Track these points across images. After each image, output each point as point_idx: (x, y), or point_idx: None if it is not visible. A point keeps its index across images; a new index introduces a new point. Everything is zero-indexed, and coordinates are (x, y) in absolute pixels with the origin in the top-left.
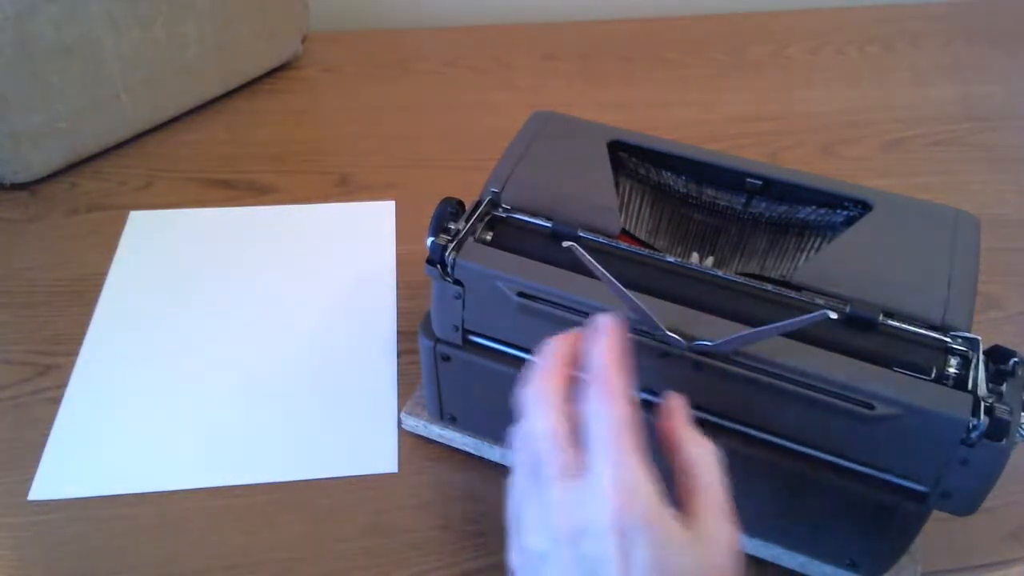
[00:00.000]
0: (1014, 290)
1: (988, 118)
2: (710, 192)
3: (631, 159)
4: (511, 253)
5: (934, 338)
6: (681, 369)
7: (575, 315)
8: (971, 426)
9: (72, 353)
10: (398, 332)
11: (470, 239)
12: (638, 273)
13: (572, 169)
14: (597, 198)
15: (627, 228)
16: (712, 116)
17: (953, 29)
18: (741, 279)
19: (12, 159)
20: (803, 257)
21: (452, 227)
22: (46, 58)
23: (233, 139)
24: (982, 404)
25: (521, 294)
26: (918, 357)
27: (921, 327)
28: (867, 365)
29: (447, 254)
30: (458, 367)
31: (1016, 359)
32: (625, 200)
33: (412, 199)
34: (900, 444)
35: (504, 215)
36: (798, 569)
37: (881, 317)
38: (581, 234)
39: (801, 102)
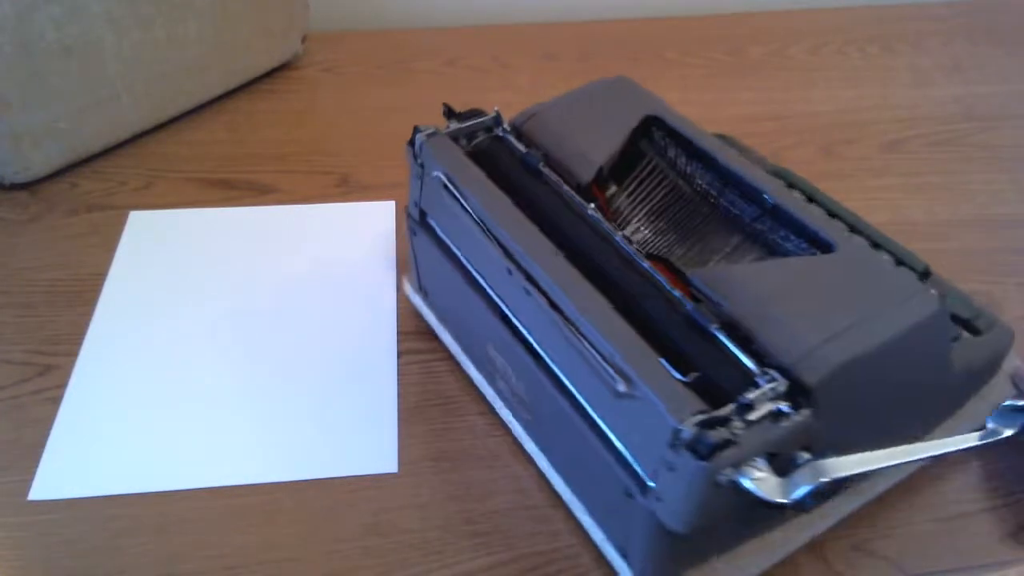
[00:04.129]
0: (1014, 290)
1: (988, 118)
2: (729, 197)
3: (663, 138)
4: (472, 162)
5: (748, 367)
6: (516, 289)
7: (485, 235)
8: (677, 430)
9: (72, 353)
10: (398, 332)
11: (446, 135)
12: (556, 215)
13: (595, 125)
14: (590, 151)
15: (633, 195)
16: (712, 116)
17: (953, 29)
18: (636, 252)
19: (12, 159)
20: None
21: (450, 124)
22: (46, 58)
23: (233, 139)
24: (703, 418)
25: (449, 192)
26: (720, 373)
27: (746, 353)
28: (646, 346)
29: (419, 138)
30: (420, 243)
31: (802, 417)
32: (642, 173)
33: None
34: (634, 424)
35: (501, 135)
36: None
37: (716, 328)
38: (542, 169)
39: (801, 102)
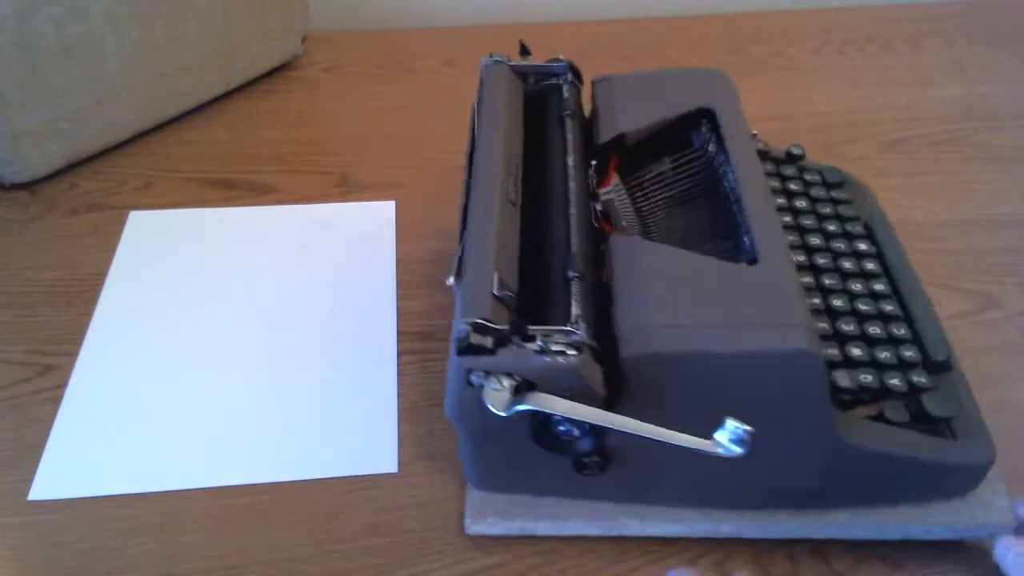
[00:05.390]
0: (1014, 290)
1: (988, 118)
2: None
3: (709, 133)
4: (518, 96)
5: (570, 312)
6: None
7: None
8: (464, 335)
9: (72, 353)
10: (398, 332)
11: (508, 66)
12: (546, 157)
13: (652, 102)
14: (624, 119)
15: (661, 175)
16: None
17: (953, 29)
18: (580, 204)
19: (12, 159)
20: None
21: (521, 60)
22: (46, 58)
23: (233, 139)
24: (477, 322)
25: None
26: (548, 311)
27: (583, 305)
28: (491, 258)
29: (485, 61)
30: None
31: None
32: (680, 159)
33: (412, 199)
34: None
35: (560, 83)
36: None
37: (574, 276)
38: (565, 119)
39: (801, 102)
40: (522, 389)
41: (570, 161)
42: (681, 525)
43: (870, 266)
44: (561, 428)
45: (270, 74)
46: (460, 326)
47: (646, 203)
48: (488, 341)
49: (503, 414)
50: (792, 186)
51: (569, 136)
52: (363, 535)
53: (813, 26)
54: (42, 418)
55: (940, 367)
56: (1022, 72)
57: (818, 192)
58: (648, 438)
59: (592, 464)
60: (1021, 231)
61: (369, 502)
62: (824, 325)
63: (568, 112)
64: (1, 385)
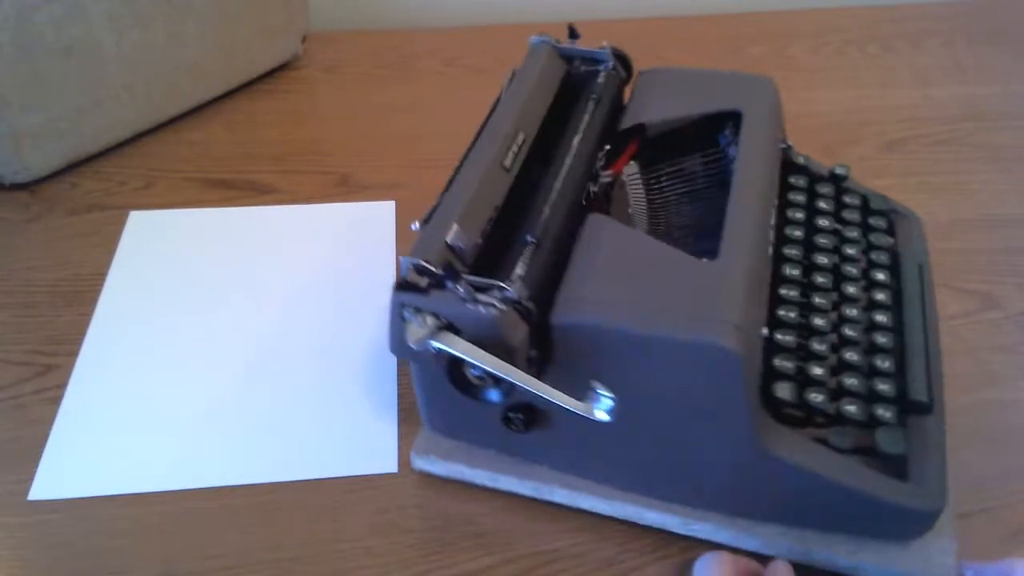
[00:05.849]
0: (1014, 290)
1: (988, 118)
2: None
3: (732, 135)
4: (555, 75)
5: (513, 271)
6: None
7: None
8: (404, 272)
9: (72, 353)
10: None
11: (552, 47)
12: (558, 135)
13: (687, 98)
14: (651, 110)
15: (677, 166)
16: None
17: (953, 29)
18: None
19: (12, 159)
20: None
21: (568, 42)
22: (46, 58)
23: (233, 139)
24: (419, 263)
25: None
26: (499, 267)
27: (531, 269)
28: (466, 216)
29: (532, 38)
30: None
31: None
32: (701, 157)
33: (412, 199)
34: None
35: (601, 69)
36: None
37: (530, 239)
38: (591, 100)
39: (801, 102)
40: (445, 331)
41: (575, 140)
42: (608, 505)
43: (880, 296)
44: (474, 372)
45: (270, 74)
46: (403, 263)
47: (659, 195)
48: (423, 281)
49: (414, 348)
50: (822, 204)
51: (585, 117)
52: (363, 535)
53: (813, 26)
54: (42, 418)
55: (917, 407)
56: (1022, 72)
57: (851, 215)
58: (540, 396)
59: (516, 420)
60: (1021, 231)
61: (369, 502)
62: (790, 338)
63: (594, 96)
64: (1, 385)
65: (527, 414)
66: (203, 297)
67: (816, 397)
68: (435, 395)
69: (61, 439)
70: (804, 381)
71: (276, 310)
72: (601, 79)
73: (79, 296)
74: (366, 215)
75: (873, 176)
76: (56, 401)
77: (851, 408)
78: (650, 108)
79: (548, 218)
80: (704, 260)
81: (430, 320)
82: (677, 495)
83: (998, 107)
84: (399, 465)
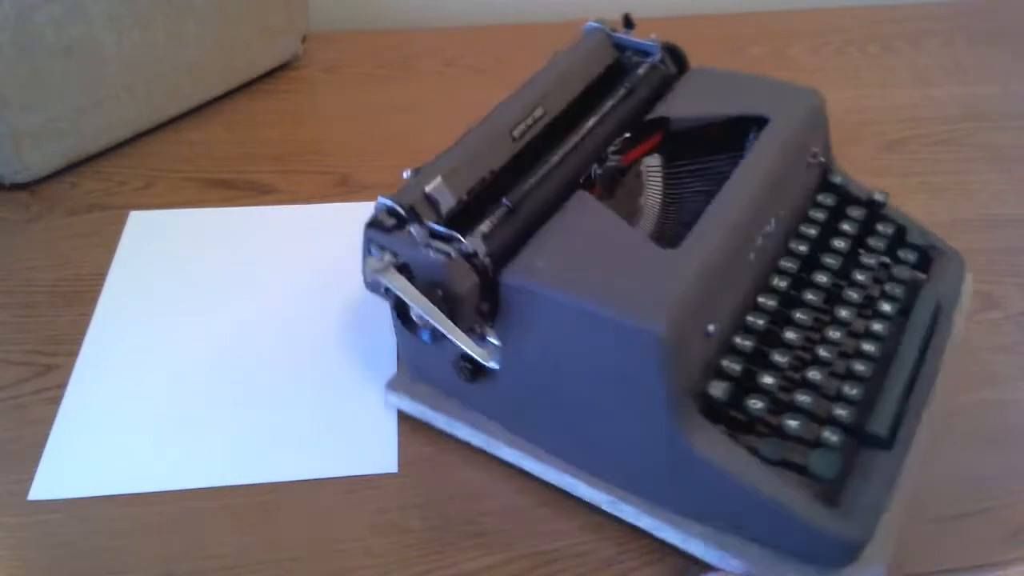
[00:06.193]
0: (1014, 290)
1: (988, 118)
2: None
3: (757, 136)
4: (597, 60)
5: (476, 226)
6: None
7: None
8: (377, 210)
9: (72, 353)
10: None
11: (605, 34)
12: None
13: (721, 99)
14: (681, 107)
15: (694, 163)
16: None
17: (953, 29)
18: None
19: (12, 159)
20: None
21: (623, 31)
22: (46, 58)
23: (233, 139)
24: (391, 206)
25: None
26: (471, 221)
27: (502, 229)
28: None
29: (589, 23)
30: None
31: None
32: (728, 160)
33: None
34: None
35: (646, 60)
36: None
37: (506, 203)
38: (624, 87)
39: None
40: (400, 271)
41: (590, 122)
42: (548, 470)
43: (876, 327)
44: (415, 312)
45: (270, 74)
46: (379, 203)
47: (676, 190)
48: (390, 222)
49: (365, 280)
50: (845, 226)
51: (609, 103)
52: (363, 535)
53: (813, 26)
54: (42, 418)
55: (875, 441)
56: (1022, 72)
57: (876, 242)
58: (451, 338)
59: (464, 369)
60: (1021, 231)
61: (369, 502)
62: (748, 343)
63: (626, 85)
64: (1, 385)
65: (473, 364)
66: (203, 297)
67: (755, 404)
68: (403, 336)
69: (61, 439)
70: (751, 387)
71: (276, 310)
72: (641, 71)
73: (79, 296)
74: (366, 215)
75: (873, 176)
76: (56, 401)
77: (792, 423)
78: (681, 104)
79: (533, 188)
80: (666, 249)
81: (387, 257)
82: (607, 474)
83: (998, 107)
84: (399, 465)
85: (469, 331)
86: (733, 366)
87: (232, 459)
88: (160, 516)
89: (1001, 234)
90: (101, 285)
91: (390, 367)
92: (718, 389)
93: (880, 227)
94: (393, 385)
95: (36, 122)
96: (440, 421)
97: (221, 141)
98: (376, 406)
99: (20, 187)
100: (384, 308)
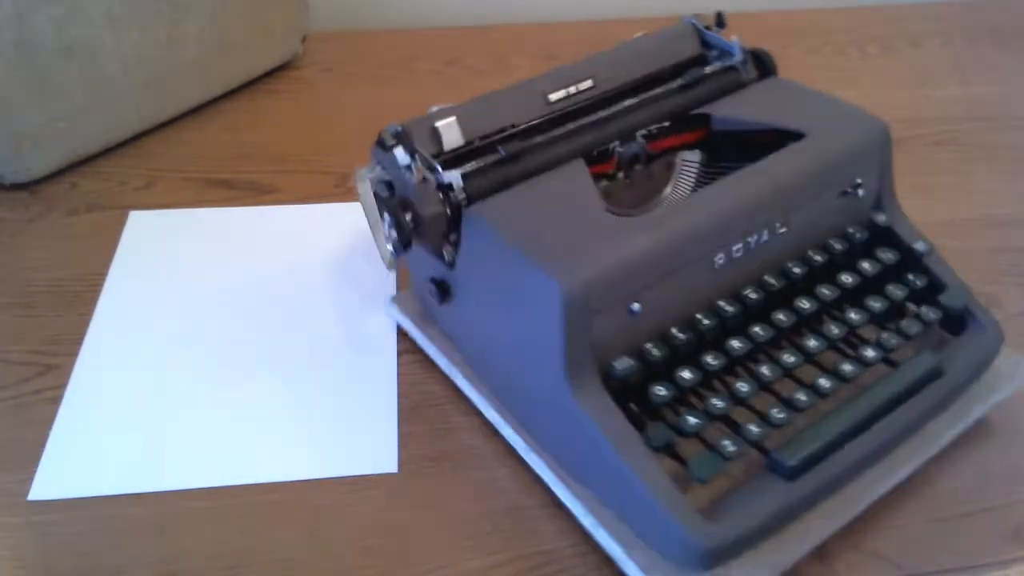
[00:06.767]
0: (1014, 290)
1: (989, 118)
2: None
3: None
4: (676, 56)
5: (437, 163)
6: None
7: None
8: (386, 132)
9: (72, 353)
10: (398, 332)
11: (695, 28)
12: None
13: (770, 110)
14: (728, 110)
15: (728, 167)
16: None
17: (953, 29)
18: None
19: (12, 159)
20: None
21: (712, 28)
22: (46, 58)
23: (233, 139)
24: (399, 137)
25: None
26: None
27: (482, 174)
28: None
29: (685, 15)
30: None
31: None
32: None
33: None
34: None
35: (725, 63)
36: None
37: (499, 151)
38: (685, 82)
39: None
40: (386, 187)
41: (627, 103)
42: (484, 405)
43: (845, 367)
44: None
45: (270, 74)
46: (390, 127)
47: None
48: (391, 142)
49: (358, 185)
50: (864, 265)
51: (658, 90)
52: (363, 535)
53: (813, 26)
54: (42, 418)
55: (778, 468)
56: (1022, 72)
57: (895, 291)
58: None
59: (433, 291)
60: (1021, 231)
61: (369, 502)
62: (683, 336)
63: (682, 80)
64: (1, 385)
65: (440, 287)
66: (203, 297)
67: (658, 391)
68: (409, 257)
69: (61, 439)
70: (667, 378)
71: (276, 310)
72: (708, 69)
73: (79, 296)
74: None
75: None
76: (56, 401)
77: (690, 419)
78: (734, 107)
79: (537, 145)
80: (625, 218)
81: (377, 171)
82: (523, 419)
83: (998, 107)
84: (399, 465)
85: (440, 256)
86: (654, 351)
87: (232, 459)
88: (160, 516)
89: (1001, 234)
90: (101, 285)
91: (390, 366)
92: (622, 363)
93: (911, 276)
94: (399, 303)
95: (36, 122)
96: (426, 346)
97: (221, 141)
98: (376, 406)
99: (20, 187)
100: (383, 307)
